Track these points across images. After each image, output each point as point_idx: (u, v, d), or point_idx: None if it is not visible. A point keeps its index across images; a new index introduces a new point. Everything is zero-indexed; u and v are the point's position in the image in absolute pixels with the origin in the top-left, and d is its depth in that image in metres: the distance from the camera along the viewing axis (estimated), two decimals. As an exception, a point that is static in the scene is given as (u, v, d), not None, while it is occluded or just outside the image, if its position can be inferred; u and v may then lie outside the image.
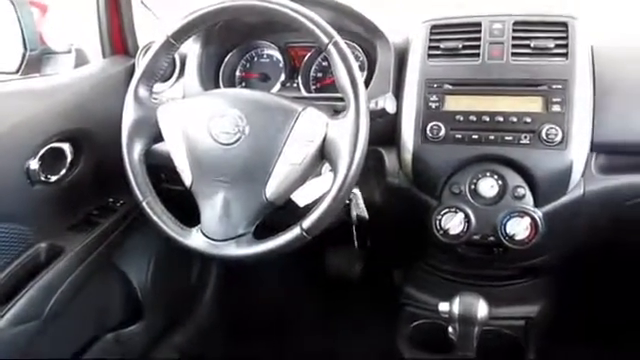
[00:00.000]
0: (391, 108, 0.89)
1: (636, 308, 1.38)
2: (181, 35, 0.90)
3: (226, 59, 1.16)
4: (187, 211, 0.89)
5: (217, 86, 1.15)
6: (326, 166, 0.92)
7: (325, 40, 0.82)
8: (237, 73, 1.19)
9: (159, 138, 0.92)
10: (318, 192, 0.89)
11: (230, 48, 1.17)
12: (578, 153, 0.92)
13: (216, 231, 0.85)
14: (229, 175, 0.85)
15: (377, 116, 0.89)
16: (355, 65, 0.82)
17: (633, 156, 0.95)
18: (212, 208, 0.86)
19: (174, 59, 1.14)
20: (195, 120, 0.88)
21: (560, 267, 1.13)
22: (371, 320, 1.50)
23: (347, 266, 1.51)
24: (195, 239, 0.87)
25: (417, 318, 1.21)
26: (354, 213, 1.01)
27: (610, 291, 1.36)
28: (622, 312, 1.39)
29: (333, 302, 1.62)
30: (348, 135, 0.80)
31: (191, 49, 1.12)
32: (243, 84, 1.18)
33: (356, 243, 1.06)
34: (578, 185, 0.94)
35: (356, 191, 1.00)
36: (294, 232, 0.82)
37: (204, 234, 0.86)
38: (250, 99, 0.88)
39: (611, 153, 0.95)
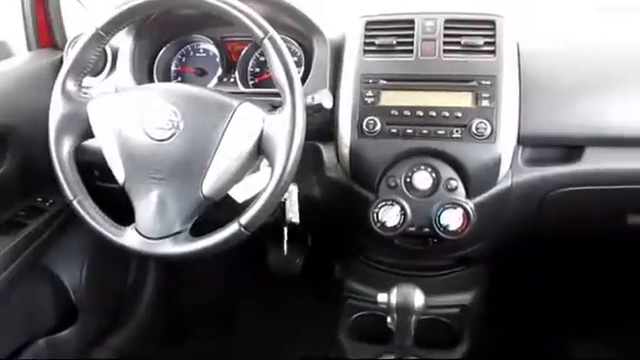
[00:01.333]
0: (328, 103, 0.90)
1: (563, 293, 1.46)
2: (111, 27, 0.87)
3: (160, 53, 1.14)
4: (122, 209, 0.87)
5: (151, 81, 1.12)
6: (264, 162, 0.91)
7: (260, 35, 0.82)
8: (172, 67, 1.16)
9: (89, 134, 0.89)
10: (256, 188, 0.89)
11: (164, 42, 1.14)
12: (506, 146, 0.96)
13: (151, 229, 0.83)
14: (164, 171, 0.83)
15: (314, 111, 0.90)
16: (291, 60, 0.82)
17: (556, 148, 1.00)
18: (147, 206, 0.84)
19: (105, 52, 1.11)
20: (127, 115, 0.85)
21: (492, 256, 1.18)
22: (313, 315, 1.52)
23: (288, 262, 1.51)
24: (130, 238, 0.84)
25: (358, 310, 1.23)
26: (288, 215, 1.01)
27: (539, 277, 1.43)
28: (551, 298, 1.47)
29: (275, 299, 1.62)
30: (285, 130, 0.81)
31: (123, 42, 1.09)
32: (179, 79, 1.16)
33: (285, 246, 1.06)
34: (506, 177, 0.98)
35: (293, 190, 1.01)
36: (232, 228, 0.81)
37: (139, 232, 0.84)
38: (184, 94, 0.86)
39: (536, 146, 1.00)
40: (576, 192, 1.00)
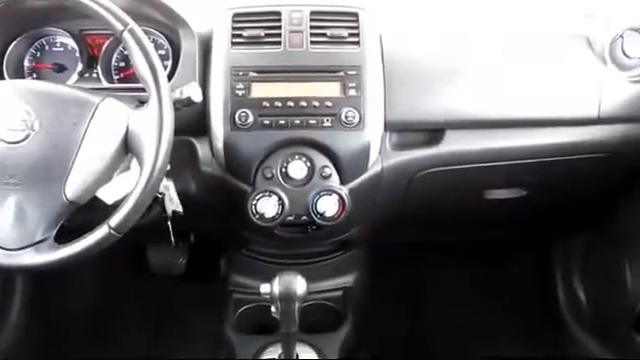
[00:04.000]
0: (197, 97, 0.88)
1: (436, 270, 1.58)
2: None
3: (10, 48, 1.05)
4: None
5: (1, 78, 1.03)
6: (135, 160, 0.88)
7: (119, 27, 0.79)
8: (25, 63, 1.07)
9: None
10: (127, 187, 0.85)
11: (15, 35, 1.05)
12: (374, 133, 1.00)
13: (10, 239, 0.77)
14: (19, 176, 0.77)
15: (183, 105, 0.88)
16: (154, 53, 0.80)
17: (420, 132, 1.06)
18: (3, 214, 0.77)
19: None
20: None
21: (369, 238, 1.23)
22: (201, 313, 1.49)
23: (171, 261, 1.47)
24: None
25: (244, 304, 1.23)
26: (169, 208, 0.98)
27: (412, 255, 1.53)
28: (425, 275, 1.59)
29: (160, 300, 1.57)
30: (152, 126, 0.78)
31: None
32: (34, 75, 1.08)
33: (173, 239, 1.03)
34: (377, 162, 1.03)
35: (169, 184, 0.98)
36: (102, 231, 0.77)
37: None
38: (38, 91, 0.80)
39: (402, 131, 1.05)
40: (439, 172, 1.07)
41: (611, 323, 1.30)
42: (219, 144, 0.99)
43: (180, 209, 0.99)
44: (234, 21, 1.02)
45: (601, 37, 1.08)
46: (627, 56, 1.07)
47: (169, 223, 1.01)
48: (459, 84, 1.05)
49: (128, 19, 0.79)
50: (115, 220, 0.77)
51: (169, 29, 1.05)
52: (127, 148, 0.81)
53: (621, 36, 1.07)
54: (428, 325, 1.53)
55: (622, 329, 1.23)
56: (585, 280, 1.43)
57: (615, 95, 1.07)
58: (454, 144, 1.06)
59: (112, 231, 0.77)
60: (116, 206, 0.80)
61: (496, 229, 1.38)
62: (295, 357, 1.04)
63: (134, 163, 0.89)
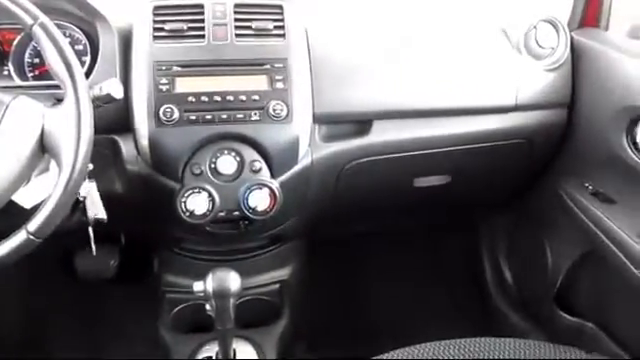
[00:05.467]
0: (117, 93, 0.85)
1: (371, 258, 1.62)
2: None
3: None
4: None
5: None
6: (53, 161, 0.84)
7: (29, 21, 0.75)
8: None
9: None
10: (46, 190, 0.81)
11: None
12: (303, 125, 1.00)
13: None
14: None
15: (103, 102, 0.85)
16: (68, 48, 0.76)
17: (348, 124, 1.08)
18: None
19: None
20: None
21: (303, 230, 1.24)
22: (135, 315, 1.46)
23: (100, 265, 1.42)
24: None
25: (178, 303, 1.21)
26: (90, 214, 0.94)
27: (350, 247, 1.56)
28: (360, 264, 1.62)
29: (92, 305, 1.51)
30: (69, 125, 0.75)
31: None
32: None
33: (94, 247, 0.99)
34: (306, 154, 1.03)
35: (92, 186, 0.94)
36: (19, 237, 0.73)
37: None
38: None
39: (330, 123, 1.06)
40: (369, 162, 1.09)
41: (535, 300, 1.37)
42: (144, 141, 0.96)
43: (103, 216, 0.95)
44: (155, 14, 0.99)
45: (516, 28, 1.13)
46: (540, 46, 1.13)
47: (90, 230, 0.97)
48: (384, 76, 1.07)
49: (38, 12, 0.75)
50: (34, 224, 0.73)
51: (86, 23, 1.01)
52: (44, 148, 0.77)
53: (534, 27, 1.13)
54: (365, 312, 1.56)
55: (545, 305, 1.30)
56: (510, 260, 1.50)
57: (531, 83, 1.12)
58: (382, 134, 1.08)
59: (31, 236, 0.73)
60: (35, 210, 0.77)
61: (425, 215, 1.42)
62: (233, 353, 1.03)
63: (53, 164, 0.85)
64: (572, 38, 1.14)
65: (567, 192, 1.18)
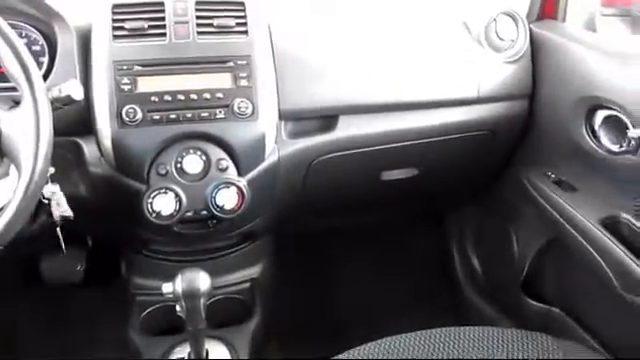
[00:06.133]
0: (77, 94, 0.83)
1: (342, 253, 1.63)
2: None
3: None
4: None
5: None
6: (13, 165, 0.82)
7: None
8: None
9: None
10: (5, 196, 0.79)
11: None
12: (268, 122, 1.00)
13: None
14: None
15: (63, 104, 0.83)
16: (24, 49, 0.74)
17: (314, 120, 1.08)
18: None
19: None
20: None
21: (272, 228, 1.24)
22: (105, 320, 1.43)
23: (68, 270, 1.39)
24: None
25: (148, 305, 1.19)
26: (56, 213, 0.92)
27: (320, 242, 1.56)
28: (331, 259, 1.62)
29: (60, 310, 1.49)
30: (27, 128, 0.73)
31: None
32: None
33: (64, 247, 0.97)
34: (273, 151, 1.03)
35: (55, 188, 0.92)
36: None
37: None
38: None
39: (296, 119, 1.06)
40: (336, 158, 1.09)
41: (503, 288, 1.40)
42: (107, 143, 0.95)
43: (70, 213, 0.93)
44: (114, 13, 0.97)
45: (477, 22, 1.15)
46: (501, 39, 1.15)
47: (59, 230, 0.95)
48: (348, 71, 1.08)
49: None
50: None
51: (43, 24, 0.98)
52: (2, 153, 0.75)
53: (494, 20, 1.15)
54: (336, 307, 1.57)
55: (512, 293, 1.33)
56: (478, 250, 1.53)
57: (492, 76, 1.14)
58: (348, 129, 1.08)
59: None
60: (-5, 216, 0.75)
61: (394, 208, 1.43)
62: (205, 354, 1.03)
63: (13, 169, 0.83)
64: (531, 30, 1.17)
65: (531, 181, 1.20)
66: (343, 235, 1.55)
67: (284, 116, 1.04)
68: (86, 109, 0.95)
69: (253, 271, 1.25)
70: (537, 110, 1.17)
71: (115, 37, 0.96)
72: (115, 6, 0.98)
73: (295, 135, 1.07)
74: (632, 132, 0.97)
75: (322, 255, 1.62)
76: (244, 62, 0.98)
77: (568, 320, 1.20)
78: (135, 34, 0.97)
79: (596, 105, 1.03)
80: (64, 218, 0.95)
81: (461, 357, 0.80)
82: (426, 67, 1.11)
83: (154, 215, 0.95)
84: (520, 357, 0.81)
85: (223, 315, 1.17)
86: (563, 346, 0.83)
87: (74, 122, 0.94)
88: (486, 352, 0.81)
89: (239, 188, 0.98)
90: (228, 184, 0.97)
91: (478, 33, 1.14)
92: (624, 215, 1.01)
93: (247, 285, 1.24)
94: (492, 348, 0.82)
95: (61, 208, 0.93)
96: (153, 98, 0.95)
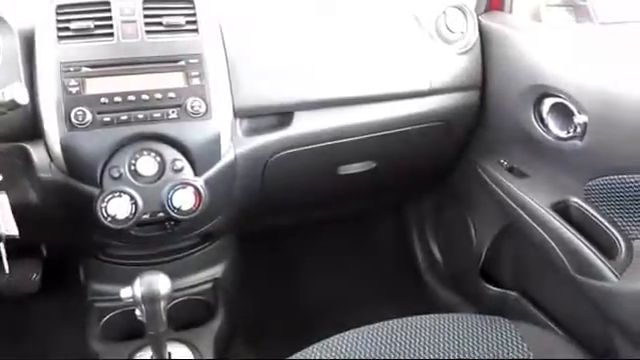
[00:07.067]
0: (22, 99, 0.81)
1: (305, 248, 1.63)
2: None
3: None
4: None
5: None
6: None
7: None
8: None
9: None
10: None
11: None
12: (223, 121, 0.99)
13: None
14: None
15: (7, 109, 0.81)
16: None
17: (269, 117, 1.08)
18: None
19: None
20: None
21: (233, 226, 1.23)
22: (63, 327, 1.40)
23: (22, 280, 1.35)
24: None
25: (108, 311, 1.17)
26: (1, 229, 0.89)
27: (282, 239, 1.56)
28: (294, 255, 1.63)
29: (17, 320, 1.44)
30: None
31: None
32: None
33: (6, 265, 0.94)
34: (229, 150, 1.02)
35: (3, 200, 0.89)
36: None
37: None
38: None
39: (251, 117, 1.06)
40: (292, 154, 1.09)
41: (462, 274, 1.43)
42: (56, 147, 0.92)
43: (14, 232, 0.89)
44: (58, 13, 0.95)
45: (427, 15, 1.17)
46: (451, 31, 1.17)
47: (2, 247, 0.91)
48: (301, 67, 1.08)
49: None
50: None
51: None
52: None
53: (444, 13, 1.17)
54: (301, 302, 1.57)
55: (471, 279, 1.36)
56: (438, 238, 1.56)
57: (444, 67, 1.16)
58: (303, 125, 1.08)
59: None
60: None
61: (354, 201, 1.44)
62: (168, 356, 1.01)
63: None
64: (480, 22, 1.19)
65: (485, 170, 1.23)
66: (305, 230, 1.55)
67: (239, 114, 1.03)
68: (33, 113, 0.92)
69: (215, 271, 1.24)
70: (488, 100, 1.20)
71: (60, 38, 0.93)
72: (59, 7, 0.95)
73: (251, 133, 1.06)
74: (578, 118, 1.00)
75: (285, 251, 1.62)
76: (196, 60, 0.97)
77: (525, 303, 1.24)
78: (81, 34, 0.94)
79: (544, 93, 1.06)
80: (8, 237, 0.91)
81: (421, 346, 0.81)
82: (379, 61, 1.12)
83: (109, 219, 0.93)
84: (479, 341, 0.83)
85: (186, 317, 1.15)
86: (520, 328, 0.86)
87: (21, 127, 0.91)
88: (445, 338, 0.83)
89: (196, 188, 0.97)
90: (184, 184, 0.96)
91: (429, 26, 1.16)
92: (574, 199, 1.05)
93: (209, 285, 1.23)
94: (451, 334, 0.84)
95: (7, 225, 0.90)
96: (103, 100, 0.93)
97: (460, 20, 1.17)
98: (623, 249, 0.95)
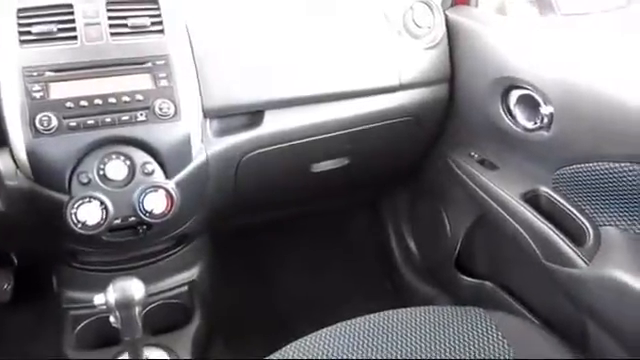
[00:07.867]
0: None
1: (281, 247, 1.63)
2: None
3: None
4: None
5: None
6: None
7: None
8: None
9: None
10: None
11: None
12: (192, 122, 0.98)
13: None
14: None
15: None
16: None
17: (240, 116, 1.07)
18: None
19: None
20: None
21: (207, 228, 1.22)
22: (37, 337, 1.37)
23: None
24: None
25: (83, 319, 1.15)
26: None
27: (259, 238, 1.56)
28: (271, 255, 1.62)
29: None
30: None
31: None
32: None
33: None
34: (200, 151, 1.02)
35: None
36: None
37: None
38: None
39: (221, 117, 1.05)
40: (265, 153, 1.09)
41: (438, 266, 1.44)
42: (22, 154, 0.90)
43: None
44: (19, 17, 0.93)
45: (394, 10, 1.18)
46: (418, 26, 1.18)
47: None
48: (270, 66, 1.07)
49: None
50: None
51: None
52: None
53: (411, 8, 1.18)
54: (280, 301, 1.57)
55: (447, 270, 1.38)
56: (413, 232, 1.57)
57: (412, 63, 1.17)
58: (274, 124, 1.08)
59: None
60: None
61: (328, 198, 1.45)
62: (145, 362, 1.00)
63: None
64: (447, 17, 1.20)
65: (456, 162, 1.25)
66: (280, 229, 1.55)
67: (209, 114, 1.02)
68: None
69: (190, 273, 1.23)
70: (457, 93, 1.22)
71: (22, 42, 0.92)
72: (20, 10, 0.93)
73: (222, 133, 1.05)
74: (544, 109, 1.02)
75: (261, 250, 1.62)
76: (162, 62, 0.96)
77: (499, 292, 1.25)
78: (44, 38, 0.92)
79: (510, 85, 1.08)
80: None
81: (397, 340, 0.82)
82: (347, 58, 1.12)
83: (80, 225, 0.92)
84: (454, 332, 0.84)
85: (163, 321, 1.14)
86: (495, 317, 0.87)
87: None
88: (421, 331, 0.84)
89: (167, 191, 0.96)
90: (155, 188, 0.95)
91: (397, 22, 1.17)
92: (543, 188, 1.06)
93: (185, 288, 1.22)
94: (427, 327, 0.84)
95: None
96: (68, 104, 0.91)
97: (427, 15, 1.18)
98: (591, 236, 0.97)
